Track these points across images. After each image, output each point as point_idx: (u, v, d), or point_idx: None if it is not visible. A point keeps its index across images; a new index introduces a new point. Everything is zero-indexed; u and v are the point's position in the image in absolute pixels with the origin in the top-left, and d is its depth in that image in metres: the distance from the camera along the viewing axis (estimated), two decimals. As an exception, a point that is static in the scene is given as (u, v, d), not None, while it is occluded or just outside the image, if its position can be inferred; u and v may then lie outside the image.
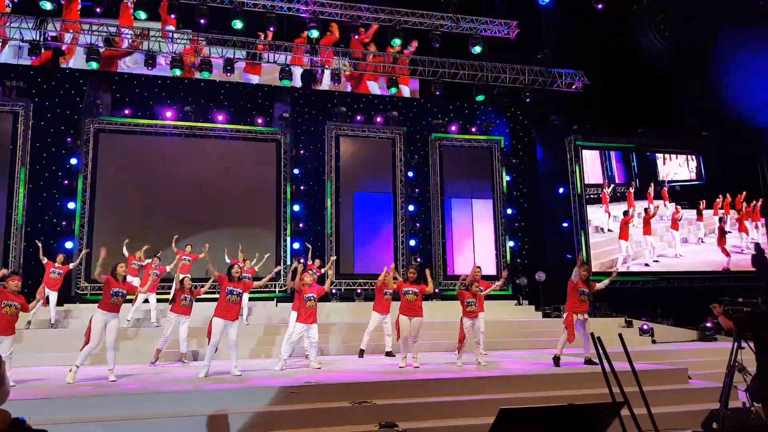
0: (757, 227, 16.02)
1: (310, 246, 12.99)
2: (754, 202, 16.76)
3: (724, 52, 16.76)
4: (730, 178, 17.08)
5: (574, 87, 16.65)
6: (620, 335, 4.29)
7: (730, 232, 16.15)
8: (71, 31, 13.90)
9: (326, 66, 15.78)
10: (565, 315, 8.68)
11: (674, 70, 16.94)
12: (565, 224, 17.17)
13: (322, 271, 11.67)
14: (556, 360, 8.21)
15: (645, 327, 13.12)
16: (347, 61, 15.69)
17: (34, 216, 13.96)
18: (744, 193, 16.58)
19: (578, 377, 7.50)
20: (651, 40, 16.46)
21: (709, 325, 13.34)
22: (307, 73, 15.78)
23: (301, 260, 11.44)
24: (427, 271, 8.93)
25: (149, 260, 11.57)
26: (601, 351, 4.03)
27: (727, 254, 15.96)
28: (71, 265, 11.55)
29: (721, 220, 16.12)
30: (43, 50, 13.86)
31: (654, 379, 7.32)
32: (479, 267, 10.42)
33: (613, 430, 3.93)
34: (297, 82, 16.09)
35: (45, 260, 11.19)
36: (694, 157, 17.16)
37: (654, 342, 12.75)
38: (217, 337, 7.63)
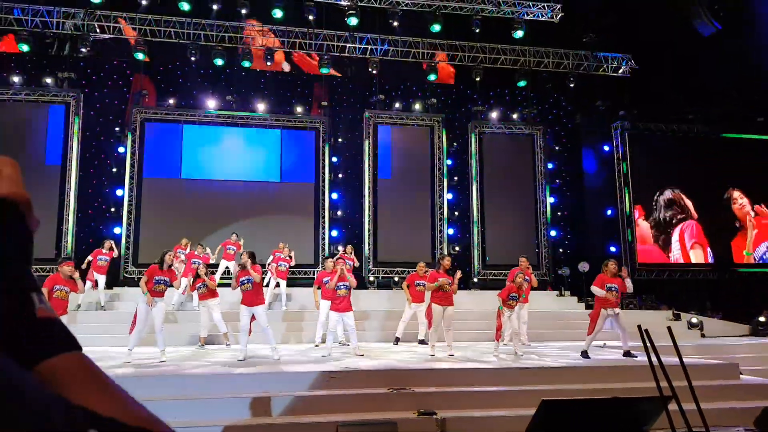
0: None
1: (343, 248, 13.04)
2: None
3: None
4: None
5: (621, 71, 16.12)
6: (669, 328, 4.13)
7: None
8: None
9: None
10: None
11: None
12: (609, 212, 16.71)
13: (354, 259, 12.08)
14: (584, 353, 8.21)
15: (694, 320, 12.67)
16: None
17: (84, 202, 14.49)
18: None
19: (621, 370, 7.30)
20: (704, 22, 15.72)
21: (762, 319, 12.79)
22: (343, 61, 15.78)
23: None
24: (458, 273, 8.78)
25: (193, 249, 11.88)
26: (648, 344, 3.89)
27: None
28: (114, 254, 11.91)
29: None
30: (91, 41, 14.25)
31: (704, 373, 7.06)
32: (525, 257, 10.20)
33: (660, 425, 3.81)
34: (336, 71, 16.12)
35: (90, 259, 11.55)
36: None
37: (703, 336, 12.31)
38: (242, 323, 7.88)
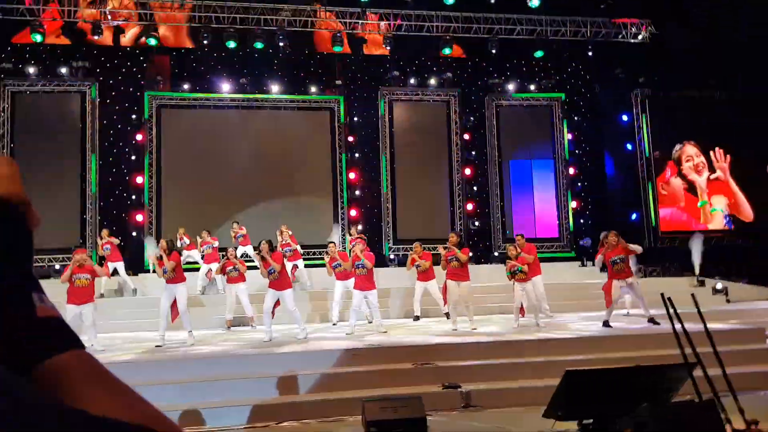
0: None
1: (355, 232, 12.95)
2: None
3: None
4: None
5: (640, 37, 15.69)
6: (693, 295, 4.10)
7: None
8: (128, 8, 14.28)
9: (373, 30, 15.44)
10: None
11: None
12: (629, 181, 16.44)
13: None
14: (606, 323, 8.21)
15: (719, 286, 12.51)
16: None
17: (106, 191, 14.69)
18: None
19: (645, 338, 7.28)
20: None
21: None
22: (358, 38, 15.61)
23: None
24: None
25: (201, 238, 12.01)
26: (671, 311, 3.87)
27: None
28: (115, 241, 11.90)
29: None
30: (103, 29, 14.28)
31: (728, 339, 6.99)
32: (520, 234, 10.39)
33: (687, 391, 3.80)
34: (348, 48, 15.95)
35: (101, 252, 11.66)
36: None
37: (728, 301, 12.17)
38: (266, 305, 8.08)
